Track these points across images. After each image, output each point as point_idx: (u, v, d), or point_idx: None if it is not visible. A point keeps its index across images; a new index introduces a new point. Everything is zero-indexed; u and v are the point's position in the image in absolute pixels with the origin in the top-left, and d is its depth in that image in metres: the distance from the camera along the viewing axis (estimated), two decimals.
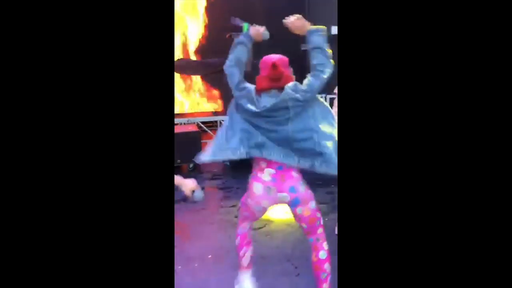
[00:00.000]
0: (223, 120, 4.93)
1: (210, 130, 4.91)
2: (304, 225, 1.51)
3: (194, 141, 4.01)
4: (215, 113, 4.88)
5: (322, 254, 1.50)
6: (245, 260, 1.62)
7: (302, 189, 1.45)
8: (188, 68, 4.71)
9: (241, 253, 1.62)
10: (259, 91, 1.42)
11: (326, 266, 1.49)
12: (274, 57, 1.44)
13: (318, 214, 1.52)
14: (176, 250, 2.22)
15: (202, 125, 4.92)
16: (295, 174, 1.46)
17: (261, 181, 1.44)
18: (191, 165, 4.12)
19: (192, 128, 4.31)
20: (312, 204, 1.49)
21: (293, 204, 1.46)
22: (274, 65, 1.38)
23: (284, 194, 1.43)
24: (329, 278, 1.50)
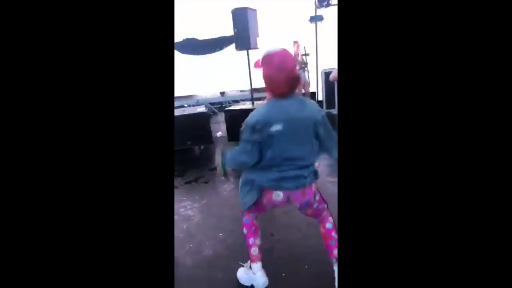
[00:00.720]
0: (230, 101, 4.91)
1: (218, 110, 4.89)
2: (307, 215, 1.58)
3: (204, 123, 4.01)
4: (222, 94, 4.83)
5: (329, 225, 1.56)
6: (254, 250, 1.62)
7: (312, 202, 1.50)
8: (193, 48, 4.64)
9: (250, 242, 1.62)
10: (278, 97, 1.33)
11: (334, 233, 1.55)
12: (285, 53, 1.31)
13: (321, 206, 1.55)
14: (187, 229, 2.28)
15: (211, 106, 4.91)
16: (314, 187, 1.48)
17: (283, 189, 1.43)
18: (201, 147, 4.14)
19: (201, 110, 4.30)
20: (315, 205, 1.52)
21: (299, 209, 1.52)
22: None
23: (297, 203, 1.48)
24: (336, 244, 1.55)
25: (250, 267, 1.65)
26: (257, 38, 3.83)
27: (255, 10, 3.80)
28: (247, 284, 1.67)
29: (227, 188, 3.00)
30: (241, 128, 1.38)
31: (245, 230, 1.63)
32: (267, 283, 1.63)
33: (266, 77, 1.33)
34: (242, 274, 1.71)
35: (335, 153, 1.36)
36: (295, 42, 5.20)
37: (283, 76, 1.29)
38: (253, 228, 1.62)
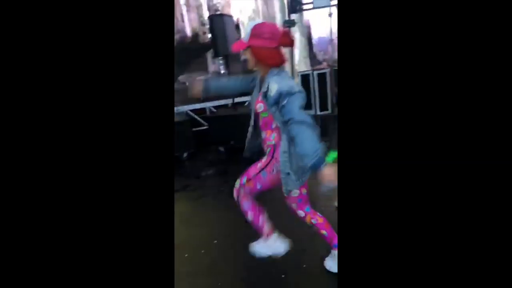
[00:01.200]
0: (212, 107, 4.91)
1: (200, 117, 4.86)
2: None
3: (185, 130, 3.98)
4: (204, 100, 4.81)
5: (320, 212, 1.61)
6: (267, 227, 1.60)
7: None
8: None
9: (260, 223, 1.58)
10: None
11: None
12: (272, 23, 1.39)
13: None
14: (181, 239, 2.25)
15: (191, 113, 4.86)
16: None
17: None
18: (184, 155, 4.10)
19: (183, 117, 4.27)
20: None
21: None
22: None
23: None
24: None
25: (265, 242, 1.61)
26: None
27: (231, 16, 3.83)
28: (268, 254, 1.62)
29: (216, 195, 3.00)
30: (293, 110, 1.28)
31: (250, 216, 1.57)
32: (288, 248, 1.62)
33: (258, 50, 1.32)
34: (259, 247, 1.64)
35: None
36: None
37: (275, 45, 1.30)
38: (257, 208, 1.58)
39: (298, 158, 1.35)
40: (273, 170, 1.48)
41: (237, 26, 4.60)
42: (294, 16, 5.13)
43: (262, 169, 1.50)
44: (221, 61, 4.89)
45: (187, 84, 4.88)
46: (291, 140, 1.32)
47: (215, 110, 4.86)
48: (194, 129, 4.50)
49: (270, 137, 1.46)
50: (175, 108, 4.61)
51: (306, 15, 5.34)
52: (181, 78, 4.91)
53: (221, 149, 4.20)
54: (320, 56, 5.32)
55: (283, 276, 1.76)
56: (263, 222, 1.59)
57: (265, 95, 1.35)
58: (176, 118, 4.15)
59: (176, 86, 4.77)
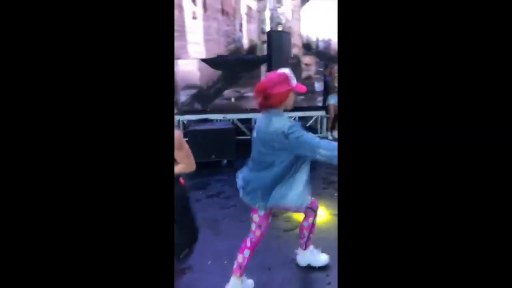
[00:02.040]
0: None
1: (245, 127, 4.94)
2: None
3: (229, 138, 4.07)
4: (251, 110, 4.88)
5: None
6: (235, 264, 1.77)
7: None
8: (225, 65, 4.76)
9: (237, 256, 1.79)
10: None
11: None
12: (266, 76, 1.62)
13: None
14: (207, 242, 2.28)
15: (237, 122, 4.97)
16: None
17: None
18: (224, 161, 4.17)
19: (227, 125, 4.37)
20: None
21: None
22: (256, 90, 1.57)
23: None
24: None
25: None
26: (289, 60, 3.90)
27: (289, 32, 3.88)
28: None
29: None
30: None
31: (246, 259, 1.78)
32: None
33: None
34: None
35: (312, 156, 1.48)
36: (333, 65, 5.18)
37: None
38: (243, 245, 1.80)
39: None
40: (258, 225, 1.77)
41: (307, 45, 4.59)
42: None
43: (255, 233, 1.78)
44: None
45: (232, 100, 5.01)
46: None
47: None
48: (238, 137, 4.59)
49: None
50: (223, 116, 4.75)
51: None
52: (226, 93, 5.04)
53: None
54: None
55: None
56: (235, 258, 1.80)
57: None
58: (223, 126, 4.27)
59: (219, 101, 4.94)
